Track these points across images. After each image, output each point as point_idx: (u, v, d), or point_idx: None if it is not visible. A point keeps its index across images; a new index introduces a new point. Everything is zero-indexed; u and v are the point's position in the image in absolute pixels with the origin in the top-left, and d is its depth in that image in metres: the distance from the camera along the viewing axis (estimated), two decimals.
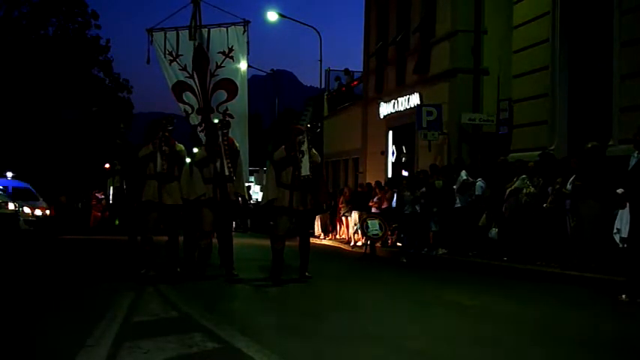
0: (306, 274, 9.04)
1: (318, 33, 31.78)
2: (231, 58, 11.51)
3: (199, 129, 11.47)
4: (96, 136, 35.20)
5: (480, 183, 13.19)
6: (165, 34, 11.60)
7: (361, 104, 25.32)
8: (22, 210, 21.33)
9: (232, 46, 11.50)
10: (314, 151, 9.19)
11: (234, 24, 11.66)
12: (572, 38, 13.90)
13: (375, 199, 17.97)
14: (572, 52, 13.94)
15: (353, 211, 19.38)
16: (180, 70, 11.56)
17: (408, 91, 20.70)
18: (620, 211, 8.75)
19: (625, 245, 8.62)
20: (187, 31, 11.46)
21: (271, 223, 13.01)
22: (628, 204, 8.11)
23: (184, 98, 11.55)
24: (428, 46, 19.87)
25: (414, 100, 20.07)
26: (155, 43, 11.60)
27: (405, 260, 14.50)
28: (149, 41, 11.57)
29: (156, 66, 11.76)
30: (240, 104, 11.48)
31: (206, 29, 11.47)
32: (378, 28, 23.98)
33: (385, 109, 22.26)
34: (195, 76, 11.38)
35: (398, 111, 21.35)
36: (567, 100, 14.00)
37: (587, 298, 8.48)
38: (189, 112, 11.54)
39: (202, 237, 9.24)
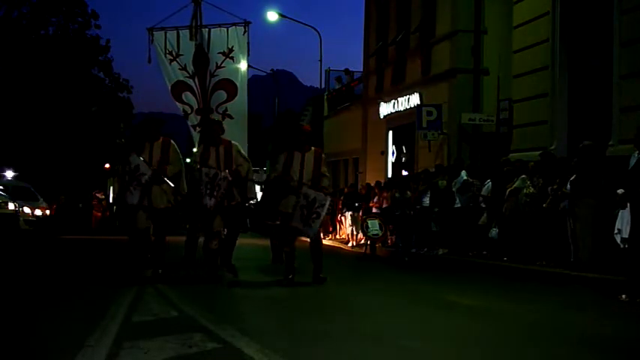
0: (321, 275, 8.77)
1: (318, 33, 31.80)
2: (232, 58, 11.49)
3: (198, 129, 11.46)
4: (96, 136, 35.20)
5: (488, 183, 13.12)
6: (165, 33, 11.59)
7: (361, 104, 25.33)
8: (22, 210, 21.33)
9: (232, 47, 11.48)
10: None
11: (234, 24, 11.66)
12: (572, 38, 13.90)
13: (374, 199, 17.98)
14: (572, 52, 13.94)
15: (347, 212, 19.41)
16: (180, 69, 11.54)
17: (408, 91, 20.71)
18: (621, 211, 8.74)
19: (626, 245, 8.62)
20: (188, 30, 11.45)
21: (269, 222, 12.99)
22: (629, 204, 8.10)
23: (184, 98, 11.52)
24: (428, 46, 19.87)
25: (414, 100, 20.07)
26: (155, 42, 11.59)
27: (407, 259, 14.58)
28: (149, 40, 11.57)
29: (156, 66, 11.77)
30: (239, 105, 11.45)
31: (206, 29, 11.47)
32: (378, 28, 23.99)
33: (385, 109, 22.26)
34: (195, 76, 11.36)
35: (398, 111, 21.36)
36: (567, 100, 14.00)
37: (587, 298, 8.48)
38: (189, 112, 11.53)
39: (212, 238, 8.94)
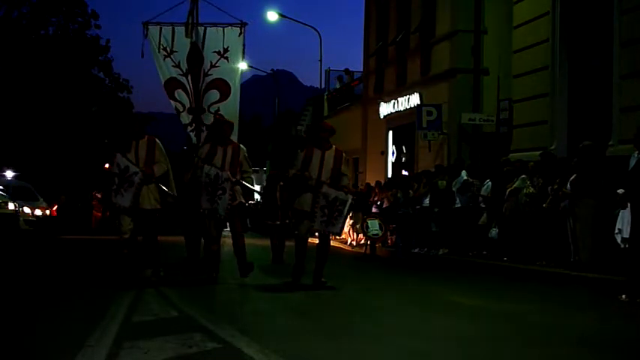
0: (322, 279, 8.47)
1: (318, 33, 31.78)
2: (226, 58, 11.37)
3: (190, 128, 11.36)
4: (96, 136, 35.18)
5: (488, 183, 13.12)
6: (160, 28, 11.42)
7: (361, 104, 25.33)
8: (22, 210, 21.33)
9: (228, 47, 11.37)
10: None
11: (231, 25, 11.56)
12: (572, 38, 13.90)
13: (376, 199, 17.96)
14: (572, 52, 13.94)
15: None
16: (173, 66, 11.38)
17: (408, 91, 20.71)
18: (622, 211, 8.75)
19: (626, 245, 8.62)
20: (183, 27, 11.32)
21: (269, 222, 12.96)
22: (629, 204, 8.10)
23: (176, 96, 11.39)
24: (428, 46, 19.87)
25: (414, 100, 20.07)
26: (150, 36, 11.43)
27: (400, 257, 14.63)
28: (144, 35, 11.42)
29: (151, 61, 11.67)
30: (232, 106, 11.32)
31: (202, 27, 11.36)
32: (378, 28, 23.99)
33: (385, 109, 22.26)
34: (189, 74, 11.24)
35: (398, 111, 21.36)
36: (567, 100, 14.01)
37: (587, 298, 8.49)
38: (181, 110, 11.38)
39: (212, 242, 8.73)
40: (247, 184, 8.80)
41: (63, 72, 33.75)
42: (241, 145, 8.85)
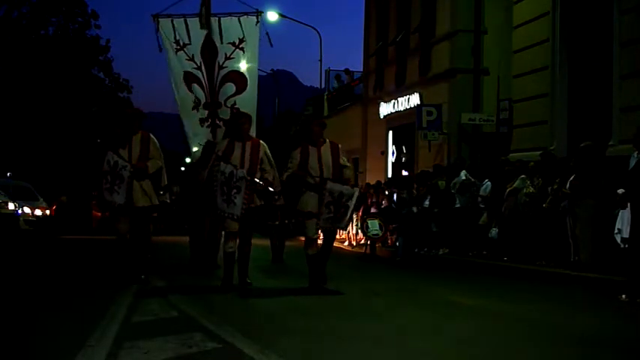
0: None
1: (318, 33, 31.80)
2: (242, 49, 10.83)
3: (206, 124, 10.96)
4: (96, 136, 35.16)
5: (487, 183, 13.13)
6: (172, 21, 10.94)
7: (361, 104, 25.33)
8: (22, 210, 21.33)
9: (243, 37, 10.89)
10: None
11: (246, 14, 11.08)
12: (572, 38, 13.90)
13: (374, 199, 17.96)
14: (572, 52, 13.94)
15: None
16: (187, 60, 10.80)
17: (408, 91, 20.71)
18: (622, 211, 8.75)
19: (626, 245, 8.62)
20: (196, 19, 10.89)
21: (269, 222, 12.94)
22: (629, 204, 8.10)
23: (193, 90, 10.98)
24: (428, 46, 19.87)
25: (414, 100, 20.07)
26: (162, 30, 11.00)
27: (399, 259, 14.57)
28: (155, 28, 11.02)
29: (156, 65, 11.46)
30: (249, 99, 10.75)
31: (216, 18, 10.97)
32: (378, 28, 23.99)
33: (385, 109, 22.27)
34: (203, 67, 10.88)
35: (398, 111, 21.36)
36: (567, 100, 14.01)
37: (587, 298, 8.48)
38: (199, 104, 10.98)
39: (228, 240, 8.30)
40: (268, 187, 8.13)
41: (63, 72, 33.73)
42: (262, 142, 8.31)
